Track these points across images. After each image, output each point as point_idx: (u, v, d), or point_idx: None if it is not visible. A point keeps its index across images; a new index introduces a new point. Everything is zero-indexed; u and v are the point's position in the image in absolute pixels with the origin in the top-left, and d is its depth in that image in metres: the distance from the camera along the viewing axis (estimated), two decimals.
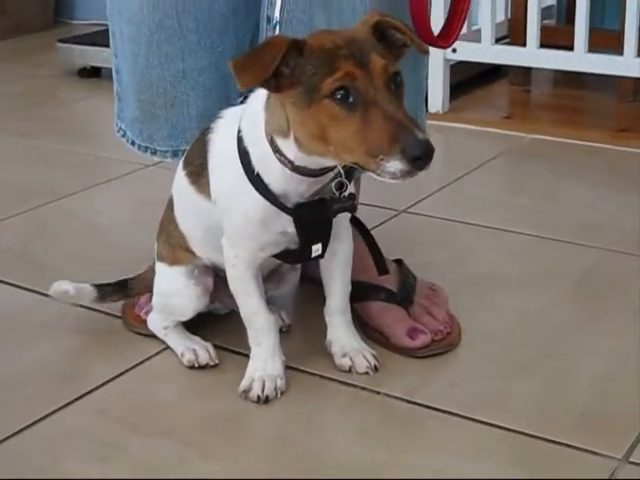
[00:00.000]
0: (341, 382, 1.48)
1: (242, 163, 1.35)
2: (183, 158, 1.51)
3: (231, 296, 1.47)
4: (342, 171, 1.35)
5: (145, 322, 1.60)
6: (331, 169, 1.34)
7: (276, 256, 1.44)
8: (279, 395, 1.44)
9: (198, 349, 1.53)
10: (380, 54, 1.23)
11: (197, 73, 1.62)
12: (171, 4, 1.58)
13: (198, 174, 1.44)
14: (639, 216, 2.05)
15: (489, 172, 2.39)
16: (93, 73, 3.35)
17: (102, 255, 1.78)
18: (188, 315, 1.55)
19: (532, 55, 2.75)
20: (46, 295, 1.64)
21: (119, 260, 1.83)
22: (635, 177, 2.32)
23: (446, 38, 1.47)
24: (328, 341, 1.52)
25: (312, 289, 1.63)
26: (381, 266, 1.61)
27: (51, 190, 2.28)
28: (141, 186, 2.32)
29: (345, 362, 1.50)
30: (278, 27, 1.54)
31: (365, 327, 1.59)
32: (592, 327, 1.63)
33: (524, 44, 2.76)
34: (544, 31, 2.76)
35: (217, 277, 1.53)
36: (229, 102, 1.56)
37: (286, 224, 1.37)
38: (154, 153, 1.69)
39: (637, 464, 1.28)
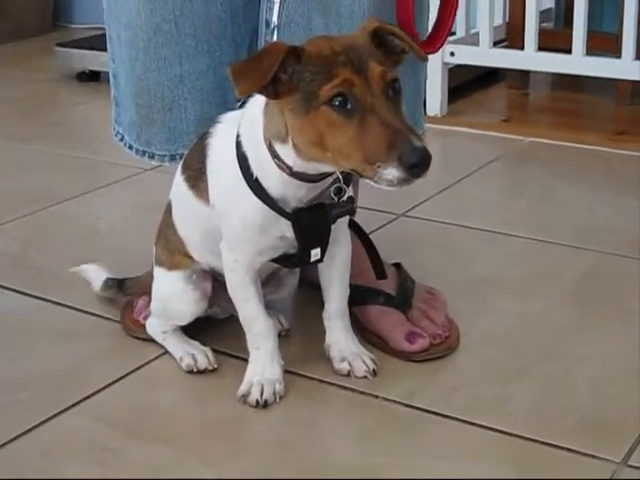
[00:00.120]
0: (340, 386, 1.48)
1: (241, 168, 1.35)
2: (182, 163, 1.51)
3: (230, 300, 1.48)
4: (340, 177, 1.35)
5: (144, 327, 1.60)
6: (329, 175, 1.34)
7: (275, 260, 1.44)
8: (278, 399, 1.44)
9: (197, 354, 1.53)
10: (378, 61, 1.23)
11: (195, 77, 1.62)
12: (168, 9, 1.58)
13: (197, 179, 1.44)
14: (637, 219, 2.06)
15: (487, 175, 2.39)
16: (92, 77, 3.35)
17: (101, 259, 1.78)
18: (186, 320, 1.55)
19: (530, 58, 2.75)
20: (45, 300, 1.64)
21: (118, 264, 1.83)
22: (633, 180, 2.32)
23: (433, 43, 1.47)
24: (327, 345, 1.52)
25: (311, 293, 1.63)
26: (379, 270, 1.61)
27: (50, 194, 2.28)
28: (140, 190, 2.33)
29: (344, 366, 1.50)
30: (276, 31, 1.55)
31: (364, 331, 1.59)
32: (590, 330, 1.63)
33: (522, 47, 2.76)
34: (542, 34, 2.77)
35: (215, 281, 1.54)
36: (227, 106, 1.56)
37: (285, 229, 1.37)
38: (152, 157, 1.69)
39: (636, 467, 1.28)
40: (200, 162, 1.43)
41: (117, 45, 1.68)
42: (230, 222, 1.40)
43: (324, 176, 1.34)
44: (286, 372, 1.47)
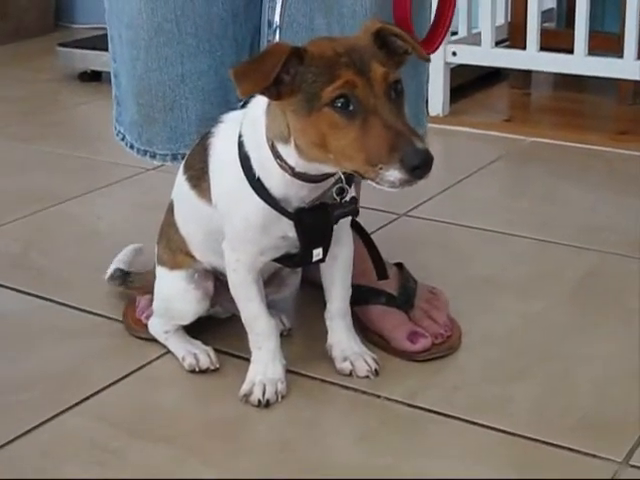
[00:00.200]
0: (342, 386, 1.48)
1: (243, 167, 1.35)
2: (184, 162, 1.51)
3: (232, 300, 1.48)
4: (343, 177, 1.35)
5: (146, 326, 1.61)
6: (332, 175, 1.34)
7: (277, 260, 1.44)
8: (280, 399, 1.44)
9: (199, 353, 1.53)
10: (381, 62, 1.23)
11: (196, 77, 1.62)
12: (170, 8, 1.58)
13: (199, 178, 1.44)
14: (639, 219, 2.05)
15: (489, 175, 2.39)
16: (94, 77, 3.36)
17: (102, 259, 1.78)
18: (189, 319, 1.55)
19: (532, 58, 2.75)
20: (46, 299, 1.64)
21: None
22: (635, 180, 2.32)
23: (430, 43, 1.47)
24: (329, 345, 1.52)
25: (313, 293, 1.63)
26: (381, 271, 1.61)
27: (51, 194, 2.28)
28: (141, 190, 2.33)
29: (346, 366, 1.50)
30: (279, 31, 1.55)
31: (366, 331, 1.59)
32: (592, 330, 1.63)
33: (524, 47, 2.76)
34: (544, 34, 2.77)
35: (217, 281, 1.54)
36: (228, 106, 1.56)
37: (287, 228, 1.37)
38: (153, 157, 1.69)
39: (638, 467, 1.28)
40: (202, 162, 1.43)
41: (118, 45, 1.68)
42: (232, 222, 1.40)
43: (326, 176, 1.34)
44: (288, 372, 1.47)
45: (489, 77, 3.12)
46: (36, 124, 2.91)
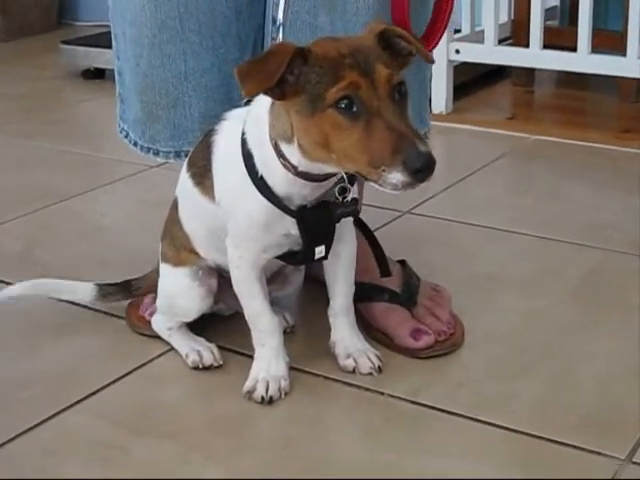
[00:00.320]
0: (345, 383, 1.48)
1: (246, 165, 1.35)
2: (187, 160, 1.52)
3: (235, 297, 1.48)
4: (345, 177, 1.35)
5: (149, 323, 1.61)
6: (334, 175, 1.34)
7: (280, 257, 1.44)
8: (283, 396, 1.44)
9: (202, 350, 1.53)
10: (385, 63, 1.23)
11: (199, 74, 1.62)
12: (173, 5, 1.58)
13: (202, 175, 1.45)
14: None
15: (492, 173, 2.39)
16: (97, 74, 3.36)
17: (106, 256, 1.78)
18: (192, 316, 1.55)
19: (535, 56, 2.75)
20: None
21: (123, 261, 1.84)
22: (638, 178, 2.32)
23: (428, 41, 1.47)
24: (332, 342, 1.52)
25: (316, 290, 1.63)
26: (384, 268, 1.61)
27: (55, 192, 2.28)
28: (145, 187, 2.33)
29: (349, 363, 1.50)
30: (282, 29, 1.54)
31: (369, 328, 1.59)
32: (594, 328, 1.63)
33: (527, 45, 2.76)
34: (547, 32, 2.77)
35: (221, 278, 1.54)
36: (231, 103, 1.56)
37: (289, 226, 1.38)
38: (157, 154, 1.69)
39: None
40: (206, 159, 1.43)
41: (122, 42, 1.68)
42: (235, 219, 1.40)
43: (329, 176, 1.34)
44: (291, 369, 1.48)
45: (492, 75, 3.12)
46: (39, 121, 2.91)
